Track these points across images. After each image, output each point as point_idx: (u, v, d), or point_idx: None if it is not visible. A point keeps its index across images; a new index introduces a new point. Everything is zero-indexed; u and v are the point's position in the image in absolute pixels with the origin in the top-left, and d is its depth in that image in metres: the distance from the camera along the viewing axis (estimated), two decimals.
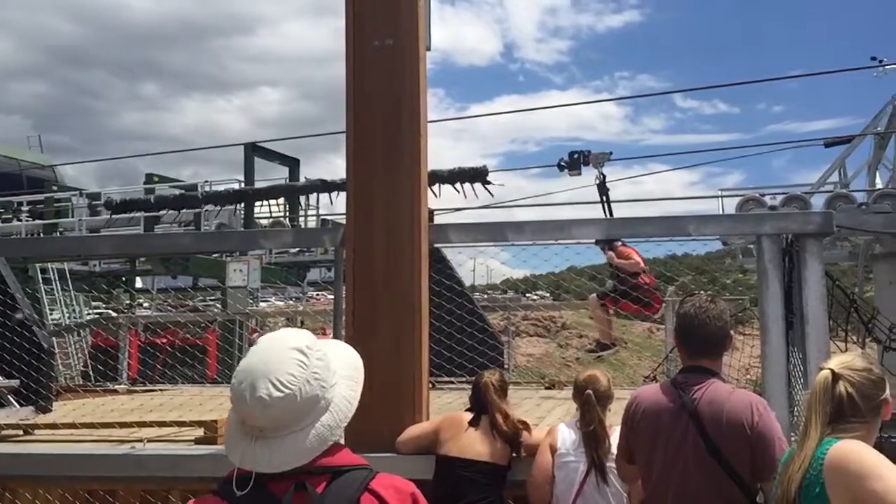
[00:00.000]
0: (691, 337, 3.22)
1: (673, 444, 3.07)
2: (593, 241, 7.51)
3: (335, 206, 13.95)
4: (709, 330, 3.17)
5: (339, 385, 1.94)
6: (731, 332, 3.30)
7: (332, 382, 1.92)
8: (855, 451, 2.37)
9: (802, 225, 4.28)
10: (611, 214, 10.24)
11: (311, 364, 1.87)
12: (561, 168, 12.60)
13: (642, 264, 8.24)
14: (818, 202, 14.58)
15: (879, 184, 16.20)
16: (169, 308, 18.38)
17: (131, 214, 17.66)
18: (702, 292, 3.49)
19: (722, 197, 16.52)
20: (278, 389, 1.82)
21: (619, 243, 8.03)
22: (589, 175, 12.51)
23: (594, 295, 8.83)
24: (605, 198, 10.32)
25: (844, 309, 5.35)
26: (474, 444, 4.02)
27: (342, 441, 1.97)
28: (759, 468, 2.95)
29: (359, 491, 1.83)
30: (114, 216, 15.28)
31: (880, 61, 15.58)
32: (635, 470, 3.33)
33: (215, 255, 17.84)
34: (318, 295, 27.91)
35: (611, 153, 11.56)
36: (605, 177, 10.43)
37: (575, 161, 12.21)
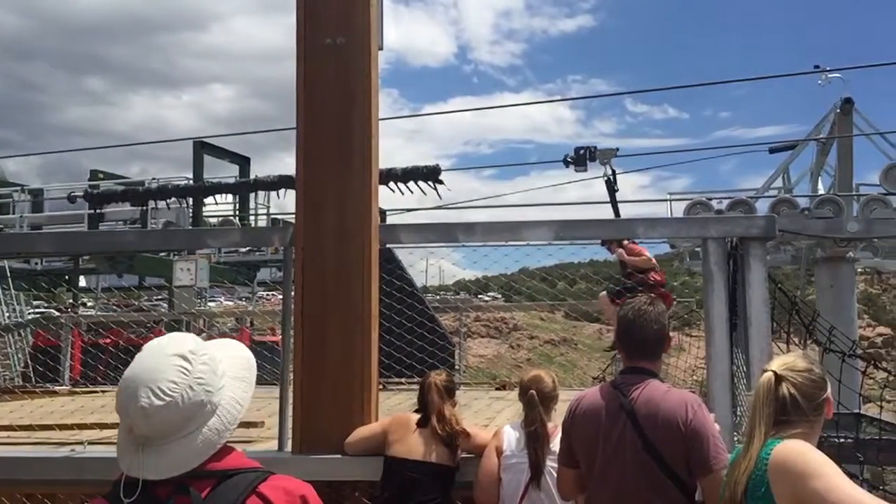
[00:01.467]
0: (630, 339, 3.29)
1: (612, 443, 3.11)
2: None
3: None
4: (647, 332, 3.23)
5: (227, 387, 1.91)
6: (671, 333, 3.36)
7: (218, 386, 1.89)
8: (797, 450, 2.42)
9: (747, 229, 4.36)
10: (617, 213, 10.13)
11: (194, 369, 1.85)
12: (567, 164, 12.51)
13: (653, 261, 8.23)
14: (763, 207, 14.91)
15: (821, 189, 16.65)
16: (114, 308, 17.97)
17: (118, 208, 17.30)
18: (642, 295, 3.55)
19: (671, 200, 16.80)
20: (159, 398, 1.79)
21: (627, 241, 7.89)
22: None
23: (604, 293, 8.78)
24: (612, 195, 10.12)
25: (787, 311, 5.48)
26: (421, 445, 4.00)
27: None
28: (695, 465, 3.00)
29: (245, 493, 1.81)
30: (99, 210, 14.82)
31: (823, 69, 16.00)
32: (573, 476, 3.35)
33: (162, 254, 17.52)
34: (268, 295, 27.59)
35: (617, 149, 11.42)
36: (614, 172, 10.26)
37: (581, 157, 12.12)
